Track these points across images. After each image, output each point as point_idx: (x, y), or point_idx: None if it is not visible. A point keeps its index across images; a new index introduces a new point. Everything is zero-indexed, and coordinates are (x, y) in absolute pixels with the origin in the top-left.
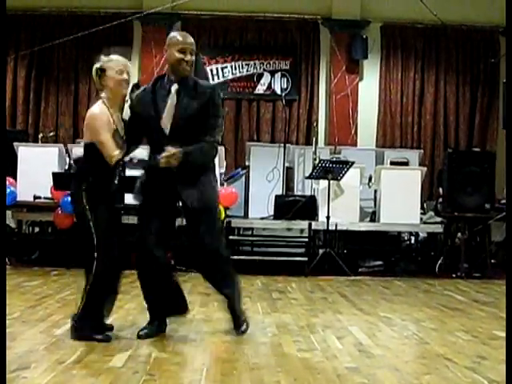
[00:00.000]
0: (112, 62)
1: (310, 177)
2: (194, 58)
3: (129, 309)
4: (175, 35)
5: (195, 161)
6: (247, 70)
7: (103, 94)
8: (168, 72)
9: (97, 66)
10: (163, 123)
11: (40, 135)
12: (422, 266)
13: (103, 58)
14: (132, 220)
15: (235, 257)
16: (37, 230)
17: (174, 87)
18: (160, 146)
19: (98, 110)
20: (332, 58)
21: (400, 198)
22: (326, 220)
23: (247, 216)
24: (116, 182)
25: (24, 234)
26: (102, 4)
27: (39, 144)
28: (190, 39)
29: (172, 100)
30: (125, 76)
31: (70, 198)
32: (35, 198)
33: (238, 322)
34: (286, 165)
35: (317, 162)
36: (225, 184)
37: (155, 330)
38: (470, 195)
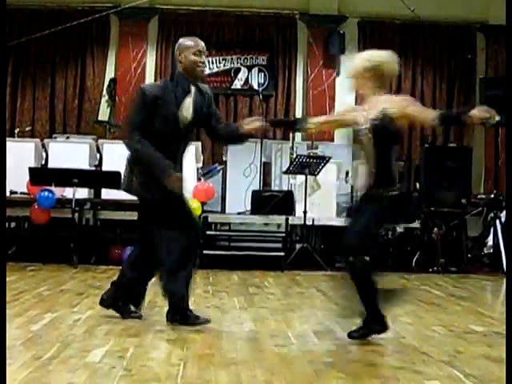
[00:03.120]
0: None
1: (287, 172)
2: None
3: None
4: (186, 39)
5: None
6: (224, 65)
7: None
8: (183, 72)
9: None
10: (181, 118)
11: (16, 130)
12: (399, 260)
13: None
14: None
15: (212, 252)
16: (13, 225)
17: (193, 88)
18: (171, 138)
19: None
20: (309, 53)
21: None
22: (303, 215)
23: (224, 211)
24: None
25: None
26: None
27: (15, 139)
28: (202, 43)
29: (190, 98)
30: None
31: None
32: (11, 192)
33: None
34: (263, 160)
35: (294, 157)
36: (202, 179)
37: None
38: (446, 190)
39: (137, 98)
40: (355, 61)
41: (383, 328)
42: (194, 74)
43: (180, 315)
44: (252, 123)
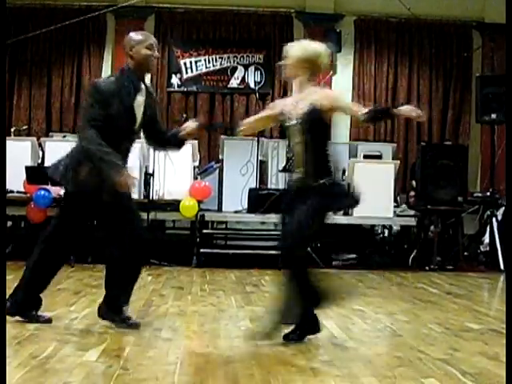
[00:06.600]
0: None
1: (283, 170)
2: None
3: None
4: (136, 34)
5: None
6: (221, 64)
7: None
8: (134, 69)
9: None
10: (136, 115)
11: (13, 129)
12: (396, 258)
13: None
14: None
15: (209, 250)
16: (10, 224)
17: (143, 86)
18: (124, 136)
19: None
20: None
21: (373, 192)
22: None
23: (221, 209)
24: None
25: None
26: None
27: (12, 137)
28: (153, 37)
29: (142, 97)
30: None
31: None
32: (8, 192)
33: None
34: (260, 158)
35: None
36: (198, 178)
37: None
38: (442, 188)
39: (92, 93)
40: (294, 48)
41: (317, 328)
42: (146, 68)
43: None
44: (188, 127)
